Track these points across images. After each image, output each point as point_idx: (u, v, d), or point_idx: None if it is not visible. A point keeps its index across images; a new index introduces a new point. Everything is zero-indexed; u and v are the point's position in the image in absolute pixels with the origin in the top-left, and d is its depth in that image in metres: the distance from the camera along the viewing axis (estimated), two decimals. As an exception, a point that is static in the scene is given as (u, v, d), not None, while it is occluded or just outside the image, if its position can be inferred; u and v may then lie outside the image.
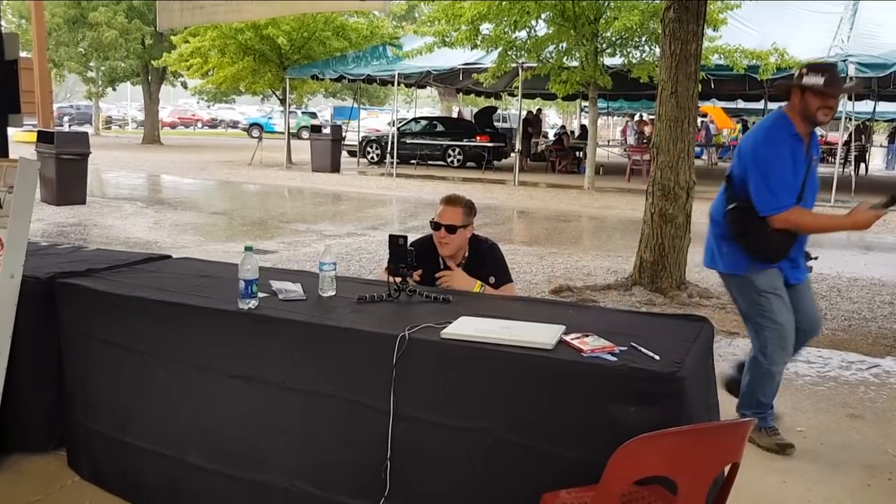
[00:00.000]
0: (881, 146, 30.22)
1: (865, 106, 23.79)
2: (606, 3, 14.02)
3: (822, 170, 20.65)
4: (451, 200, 3.65)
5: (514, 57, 15.51)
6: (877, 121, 29.03)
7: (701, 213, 7.17)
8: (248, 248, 2.90)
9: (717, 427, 1.90)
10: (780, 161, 3.45)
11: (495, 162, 22.52)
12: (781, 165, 3.45)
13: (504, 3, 13.27)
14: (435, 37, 15.14)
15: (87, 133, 12.56)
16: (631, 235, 11.25)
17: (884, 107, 26.21)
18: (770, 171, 3.45)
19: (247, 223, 11.15)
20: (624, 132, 32.21)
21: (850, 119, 16.72)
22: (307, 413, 2.74)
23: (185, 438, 2.95)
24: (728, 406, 3.59)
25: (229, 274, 3.40)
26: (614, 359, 2.45)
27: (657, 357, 2.44)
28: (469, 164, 22.41)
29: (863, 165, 21.81)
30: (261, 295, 2.92)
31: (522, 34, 14.92)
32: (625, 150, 28.13)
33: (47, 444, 3.33)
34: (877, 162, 28.30)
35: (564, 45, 14.85)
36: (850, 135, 18.50)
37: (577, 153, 23.43)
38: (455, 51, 15.87)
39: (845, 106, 15.17)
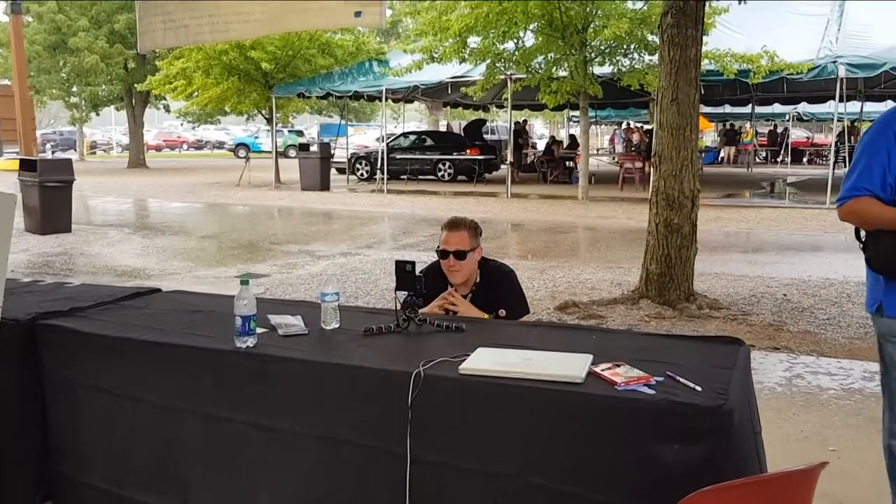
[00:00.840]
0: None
1: (853, 107, 23.78)
2: (594, 12, 13.90)
3: (815, 171, 20.67)
4: (454, 224, 3.43)
5: (502, 69, 15.37)
6: (864, 121, 29.07)
7: (704, 221, 7.03)
8: (244, 282, 2.67)
9: (786, 476, 1.69)
10: (874, 148, 2.80)
11: (486, 174, 22.36)
12: (875, 153, 2.78)
13: (492, 14, 13.12)
14: (423, 52, 14.98)
15: (70, 159, 12.30)
16: (630, 246, 11.08)
17: (870, 107, 26.22)
18: (858, 158, 2.85)
19: (237, 246, 10.91)
20: (612, 140, 32.17)
21: (839, 120, 16.63)
22: (317, 460, 2.51)
23: (187, 491, 2.71)
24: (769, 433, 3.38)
25: (223, 307, 3.18)
26: (652, 391, 2.24)
27: (698, 388, 2.23)
28: (460, 177, 22.25)
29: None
30: (259, 330, 2.70)
31: (510, 45, 14.78)
32: (614, 158, 28.08)
33: (33, 499, 3.07)
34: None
35: (553, 55, 14.71)
36: (839, 136, 18.43)
37: (567, 163, 23.31)
38: (442, 65, 15.72)
39: (836, 107, 15.06)
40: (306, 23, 6.17)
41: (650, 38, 13.83)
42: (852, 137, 22.50)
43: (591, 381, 2.31)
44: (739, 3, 8.74)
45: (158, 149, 47.70)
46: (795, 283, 7.70)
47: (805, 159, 32.27)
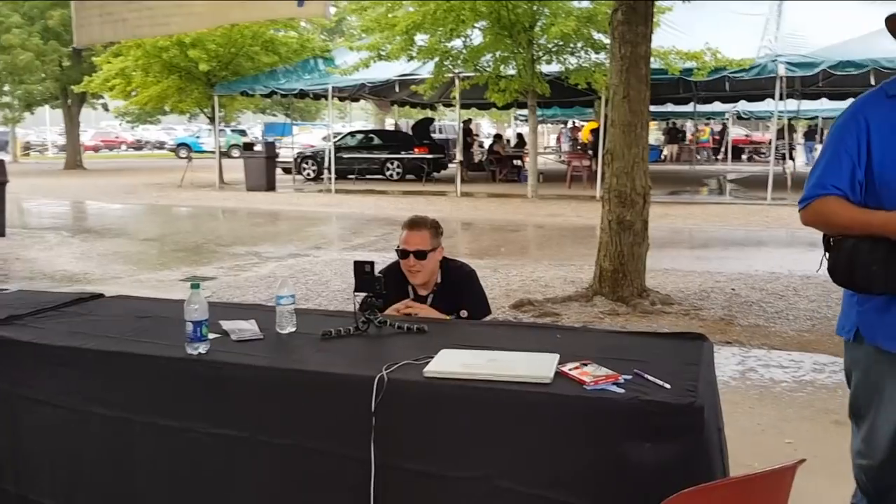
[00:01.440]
0: (799, 143, 31.09)
1: (790, 105, 24.38)
2: (541, 10, 13.94)
3: (755, 168, 21.12)
4: (415, 224, 3.35)
5: (450, 67, 15.31)
6: (800, 119, 29.86)
7: (652, 218, 7.08)
8: (194, 286, 2.55)
9: (766, 475, 1.65)
10: (841, 139, 2.31)
11: (435, 173, 22.29)
12: (843, 144, 2.30)
13: (439, 11, 13.04)
14: (370, 50, 14.83)
15: (3, 160, 11.83)
16: (581, 243, 11.15)
17: (807, 105, 26.94)
18: (824, 150, 2.40)
19: (181, 249, 10.63)
20: (559, 139, 32.47)
21: (777, 118, 17.00)
22: (277, 470, 2.40)
23: (139, 505, 2.58)
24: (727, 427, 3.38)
25: (171, 312, 3.05)
26: (621, 390, 2.20)
27: (667, 385, 2.20)
28: (408, 176, 22.14)
29: (791, 163, 22.28)
30: (211, 336, 2.58)
31: (458, 43, 14.73)
32: (560, 157, 28.29)
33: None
34: (801, 159, 29.01)
35: (501, 53, 14.71)
36: (776, 133, 18.85)
37: (515, 162, 23.39)
38: (390, 63, 15.60)
39: (776, 105, 15.39)
40: (248, 14, 5.99)
41: (597, 36, 13.93)
42: (785, 135, 23.03)
43: (559, 381, 2.26)
44: (683, 2, 8.81)
45: (96, 149, 46.41)
46: (742, 277, 7.82)
47: (745, 156, 33.03)
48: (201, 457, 2.47)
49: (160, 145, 49.21)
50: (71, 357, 2.61)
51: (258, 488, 2.44)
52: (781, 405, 4.30)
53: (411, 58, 14.78)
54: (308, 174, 23.15)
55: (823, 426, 4.01)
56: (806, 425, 4.02)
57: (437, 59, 14.95)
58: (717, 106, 29.13)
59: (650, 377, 2.26)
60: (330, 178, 19.54)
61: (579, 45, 14.21)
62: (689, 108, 27.49)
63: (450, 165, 23.25)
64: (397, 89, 19.97)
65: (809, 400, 4.37)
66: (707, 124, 30.97)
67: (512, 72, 14.71)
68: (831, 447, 3.76)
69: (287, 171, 23.23)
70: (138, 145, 50.73)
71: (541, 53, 14.47)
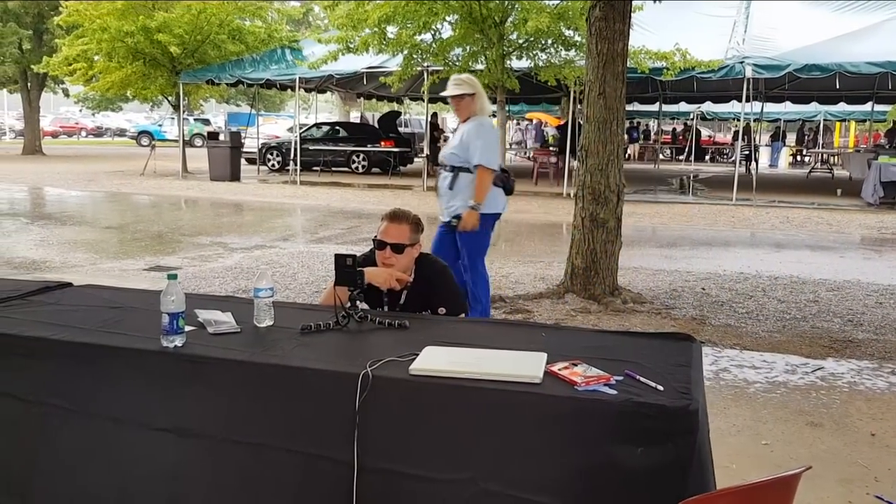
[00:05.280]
0: (766, 145, 31.53)
1: (755, 107, 24.69)
2: (513, 6, 13.88)
3: (718, 168, 21.29)
4: (396, 216, 3.26)
5: (419, 60, 15.19)
6: (762, 121, 30.22)
7: (626, 216, 7.09)
8: (171, 276, 2.45)
9: (772, 483, 1.62)
10: None
11: (401, 167, 22.16)
12: None
13: (411, 3, 12.91)
14: (338, 43, 14.64)
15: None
16: (549, 240, 11.15)
17: (770, 108, 27.30)
18: None
19: (144, 238, 10.39)
20: (524, 133, 32.45)
21: (738, 119, 17.20)
22: (252, 470, 2.31)
23: (101, 505, 2.47)
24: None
25: (143, 303, 2.95)
26: (613, 392, 2.15)
27: (660, 387, 2.16)
28: (374, 169, 21.97)
29: (754, 164, 22.55)
30: (186, 328, 2.47)
31: (427, 37, 14.62)
32: (526, 153, 28.32)
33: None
34: (763, 160, 29.40)
35: (471, 47, 14.64)
36: (738, 134, 19.06)
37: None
38: (358, 55, 15.42)
39: (743, 107, 15.56)
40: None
41: (567, 32, 13.92)
42: (747, 137, 23.32)
43: (549, 382, 2.20)
44: (655, 2, 8.82)
45: (55, 135, 45.34)
46: (712, 276, 7.86)
47: (708, 157, 33.42)
48: (172, 455, 2.37)
49: (121, 133, 48.28)
50: (38, 348, 2.49)
51: (231, 489, 2.35)
52: (756, 406, 4.30)
53: (381, 50, 14.62)
54: (273, 165, 22.86)
55: (798, 428, 4.02)
56: (781, 427, 4.02)
57: (406, 52, 14.83)
58: (682, 106, 29.42)
59: (642, 378, 2.22)
60: (295, 170, 19.31)
61: (549, 41, 14.18)
62: (654, 107, 27.70)
63: (416, 160, 23.12)
64: (365, 81, 19.75)
65: (783, 401, 4.38)
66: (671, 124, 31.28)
67: (481, 67, 14.65)
68: (807, 448, 3.78)
69: (251, 161, 22.91)
70: (98, 132, 49.71)
71: (511, 49, 14.43)
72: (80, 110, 48.36)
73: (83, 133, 49.06)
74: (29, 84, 29.58)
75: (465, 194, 5.24)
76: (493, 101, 21.53)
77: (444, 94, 6.29)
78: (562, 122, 31.53)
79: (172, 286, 2.41)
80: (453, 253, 5.30)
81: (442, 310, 3.23)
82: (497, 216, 5.35)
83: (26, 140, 30.66)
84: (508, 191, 5.34)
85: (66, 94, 33.43)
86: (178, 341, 2.42)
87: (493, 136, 5.28)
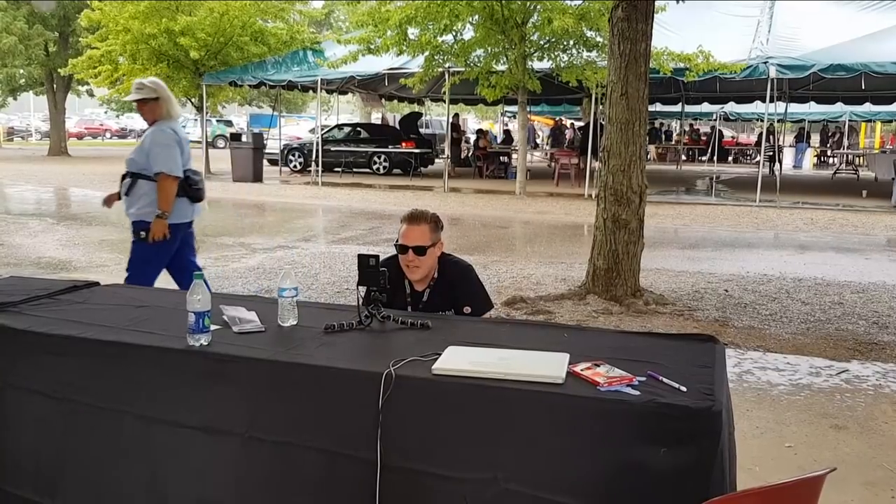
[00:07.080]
0: (790, 146, 31.23)
1: (779, 107, 24.50)
2: (534, 7, 13.87)
3: (741, 170, 21.14)
4: (414, 217, 3.26)
5: (440, 61, 15.23)
6: (787, 122, 29.96)
7: (648, 217, 7.07)
8: (197, 275, 2.48)
9: (796, 485, 1.61)
10: None
11: (422, 168, 22.19)
12: None
13: (433, 4, 12.94)
14: (359, 44, 14.71)
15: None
16: (570, 241, 11.12)
17: (794, 108, 27.05)
18: None
19: (168, 238, 10.47)
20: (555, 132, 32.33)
21: (762, 120, 17.06)
22: (277, 468, 2.33)
23: (131, 502, 2.50)
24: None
25: (169, 302, 2.99)
26: (636, 392, 2.14)
27: (683, 388, 2.15)
28: (395, 170, 22.03)
29: (778, 165, 22.37)
30: (212, 327, 2.50)
31: (449, 38, 14.65)
32: (546, 154, 28.22)
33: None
34: (787, 161, 29.15)
35: (492, 48, 14.64)
36: (762, 135, 18.89)
37: (502, 158, 23.31)
38: (378, 56, 15.48)
39: (767, 108, 15.43)
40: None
41: (589, 34, 13.89)
42: (771, 137, 23.14)
43: (572, 382, 2.21)
44: (677, 3, 8.78)
45: (80, 136, 45.85)
46: (735, 278, 7.81)
47: (730, 158, 33.15)
48: (200, 451, 2.40)
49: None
50: (66, 346, 2.53)
51: (254, 486, 2.37)
52: (779, 409, 4.27)
53: (402, 52, 14.67)
54: (294, 166, 22.98)
55: (822, 431, 3.99)
56: (805, 429, 3.99)
57: (427, 53, 14.86)
58: (705, 107, 29.22)
59: (665, 379, 2.21)
60: (317, 171, 19.40)
61: (571, 42, 14.16)
62: (677, 108, 27.52)
63: (437, 161, 23.14)
64: (386, 83, 19.80)
65: (807, 404, 4.35)
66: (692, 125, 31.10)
67: (503, 67, 14.65)
68: (831, 452, 3.75)
69: (273, 162, 23.04)
70: (122, 133, 50.19)
71: (532, 50, 14.41)
72: (105, 112, 48.85)
73: (108, 134, 49.56)
74: (55, 86, 29.95)
75: (143, 202, 4.81)
76: (512, 102, 21.57)
77: (126, 98, 6.13)
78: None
79: (198, 286, 2.43)
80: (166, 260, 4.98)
81: (467, 309, 3.23)
82: (184, 226, 4.96)
83: (52, 141, 31.05)
84: (195, 199, 4.96)
85: (91, 95, 33.74)
86: (204, 340, 2.45)
87: (171, 140, 4.86)
